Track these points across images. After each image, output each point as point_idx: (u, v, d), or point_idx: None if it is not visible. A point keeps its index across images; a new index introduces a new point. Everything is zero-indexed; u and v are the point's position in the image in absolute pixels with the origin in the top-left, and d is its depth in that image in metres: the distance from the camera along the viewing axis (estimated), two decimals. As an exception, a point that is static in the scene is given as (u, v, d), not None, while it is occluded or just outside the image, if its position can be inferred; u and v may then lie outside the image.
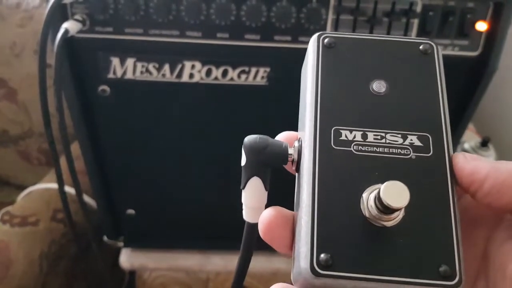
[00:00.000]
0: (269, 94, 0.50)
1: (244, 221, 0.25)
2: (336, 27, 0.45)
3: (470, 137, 0.74)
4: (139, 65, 0.48)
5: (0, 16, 0.85)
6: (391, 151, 0.21)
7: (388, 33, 0.46)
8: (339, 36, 0.24)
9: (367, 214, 0.19)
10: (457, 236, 0.19)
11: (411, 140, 0.21)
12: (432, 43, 0.24)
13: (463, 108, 0.51)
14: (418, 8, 0.45)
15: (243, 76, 0.49)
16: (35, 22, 0.83)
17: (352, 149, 0.21)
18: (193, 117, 0.53)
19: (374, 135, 0.21)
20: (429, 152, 0.21)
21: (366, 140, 0.21)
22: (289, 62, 0.48)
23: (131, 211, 0.62)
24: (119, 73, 0.49)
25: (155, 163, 0.57)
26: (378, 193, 0.18)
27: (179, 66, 0.48)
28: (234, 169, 0.57)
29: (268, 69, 0.49)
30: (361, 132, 0.21)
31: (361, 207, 0.20)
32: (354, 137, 0.21)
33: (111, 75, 0.49)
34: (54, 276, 0.72)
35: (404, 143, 0.21)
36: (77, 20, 0.45)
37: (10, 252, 0.69)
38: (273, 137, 0.24)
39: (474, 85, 0.49)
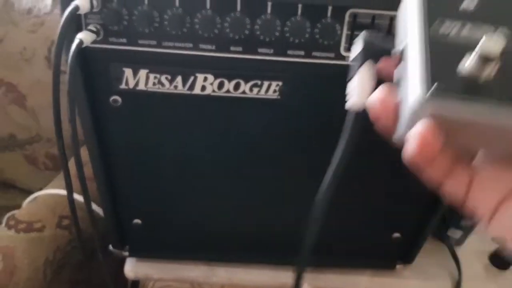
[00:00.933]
0: (281, 108, 0.50)
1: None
2: (350, 43, 0.45)
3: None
4: (151, 76, 0.48)
5: (11, 22, 0.86)
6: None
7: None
8: None
9: (468, 69, 0.21)
10: None
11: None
12: None
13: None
14: (433, 26, 0.45)
15: (255, 89, 0.49)
16: (46, 27, 0.84)
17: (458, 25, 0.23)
18: (204, 129, 0.53)
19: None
20: None
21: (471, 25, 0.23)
22: (302, 76, 0.48)
23: (137, 221, 0.62)
24: (131, 84, 0.49)
25: (163, 174, 0.57)
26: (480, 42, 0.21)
27: (192, 78, 0.48)
28: (243, 181, 0.57)
29: (280, 83, 0.48)
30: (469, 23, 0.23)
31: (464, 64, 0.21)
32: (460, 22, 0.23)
33: (123, 86, 0.49)
34: (58, 284, 0.72)
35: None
36: (91, 30, 0.45)
37: (15, 258, 0.68)
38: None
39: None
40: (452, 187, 0.25)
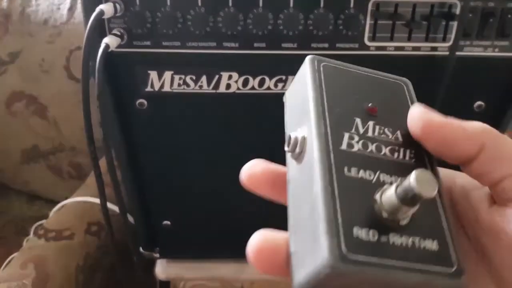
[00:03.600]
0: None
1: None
2: (374, 33, 0.45)
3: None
4: (176, 77, 0.48)
5: (28, 33, 0.87)
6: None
7: (427, 37, 0.45)
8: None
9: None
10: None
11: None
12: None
13: (504, 110, 0.50)
14: (457, 11, 0.44)
15: (280, 85, 0.49)
16: (63, 37, 0.85)
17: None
18: (230, 128, 0.53)
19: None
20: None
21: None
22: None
23: (167, 222, 0.62)
24: (156, 86, 0.49)
25: (192, 175, 0.57)
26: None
27: (216, 77, 0.48)
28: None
29: (304, 77, 0.48)
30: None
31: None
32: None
33: (148, 89, 0.49)
34: (90, 289, 0.73)
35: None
36: (115, 34, 0.45)
37: (47, 266, 0.69)
38: None
39: (515, 86, 0.49)
40: None
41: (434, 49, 0.46)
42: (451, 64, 0.46)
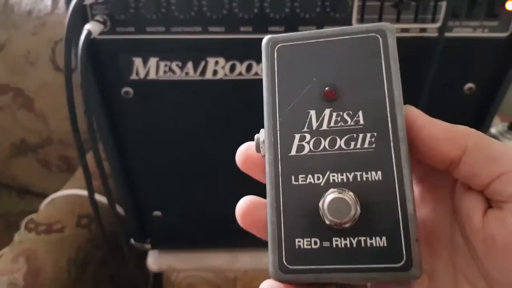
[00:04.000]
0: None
1: None
2: (362, 14, 0.44)
3: (495, 122, 0.72)
4: (162, 64, 0.47)
5: (12, 25, 0.85)
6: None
7: (416, 18, 0.45)
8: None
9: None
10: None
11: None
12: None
13: (493, 90, 0.50)
14: (446, -10, 0.44)
15: (268, 70, 0.48)
16: (47, 29, 0.83)
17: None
18: (218, 115, 0.52)
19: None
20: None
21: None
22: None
23: (157, 213, 0.62)
24: (142, 74, 0.48)
25: (180, 164, 0.57)
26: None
27: (203, 63, 0.47)
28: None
29: (292, 61, 0.48)
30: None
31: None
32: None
33: (134, 76, 0.48)
34: (83, 281, 0.72)
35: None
36: (98, 21, 0.44)
37: (38, 259, 0.68)
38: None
39: (505, 67, 0.48)
40: None
41: (423, 30, 0.46)
42: (440, 45, 0.45)
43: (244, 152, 0.25)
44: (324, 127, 0.22)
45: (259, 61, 0.47)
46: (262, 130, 0.24)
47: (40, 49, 0.84)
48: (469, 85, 0.49)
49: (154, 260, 0.68)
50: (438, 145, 0.21)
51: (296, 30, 0.45)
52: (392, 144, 0.21)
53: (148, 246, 0.66)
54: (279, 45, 0.24)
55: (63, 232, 0.73)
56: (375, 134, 0.22)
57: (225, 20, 0.45)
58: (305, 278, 0.21)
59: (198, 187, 0.59)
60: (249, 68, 0.48)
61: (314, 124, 0.22)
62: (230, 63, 0.47)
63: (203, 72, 0.48)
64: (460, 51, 0.47)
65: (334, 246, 0.21)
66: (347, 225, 0.21)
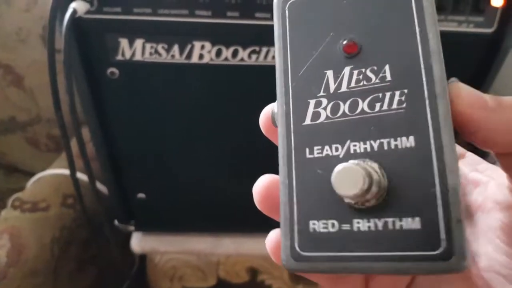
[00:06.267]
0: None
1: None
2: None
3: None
4: (148, 46, 0.47)
5: (4, 1, 0.84)
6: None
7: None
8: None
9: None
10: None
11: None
12: None
13: (478, 87, 0.50)
14: (433, -17, 0.44)
15: (254, 56, 0.48)
16: (40, 6, 0.82)
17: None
18: (204, 99, 0.52)
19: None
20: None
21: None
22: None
23: (141, 195, 0.62)
24: (127, 55, 0.48)
25: (165, 146, 0.57)
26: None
27: (189, 47, 0.47)
28: (245, 151, 0.57)
29: (278, 49, 0.48)
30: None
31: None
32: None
33: (119, 57, 0.48)
34: (65, 261, 0.73)
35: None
36: (84, 0, 0.44)
37: (22, 237, 0.69)
38: None
39: (489, 63, 0.49)
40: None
41: (409, 23, 0.46)
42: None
43: (266, 114, 0.22)
44: (344, 88, 0.19)
45: (245, 47, 0.48)
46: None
47: (31, 27, 0.84)
48: (453, 79, 0.49)
49: (138, 242, 0.68)
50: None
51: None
52: (427, 102, 0.17)
53: (132, 228, 0.66)
54: (290, 2, 0.21)
55: (48, 211, 0.73)
56: (405, 91, 0.18)
57: (212, 4, 0.45)
58: (321, 267, 0.18)
59: (182, 170, 0.60)
60: (235, 54, 0.48)
61: (332, 87, 0.19)
62: (216, 47, 0.48)
63: (189, 56, 0.48)
64: (444, 46, 0.47)
65: (355, 229, 0.17)
66: (371, 203, 0.17)
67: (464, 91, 0.18)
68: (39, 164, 0.88)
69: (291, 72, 0.20)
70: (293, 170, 0.19)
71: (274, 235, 0.21)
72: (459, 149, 0.22)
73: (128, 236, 0.70)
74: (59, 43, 0.45)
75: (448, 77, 0.19)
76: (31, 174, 0.83)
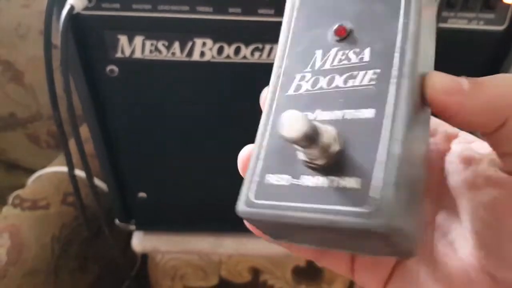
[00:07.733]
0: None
1: None
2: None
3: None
4: (147, 43, 0.46)
5: (3, -3, 0.83)
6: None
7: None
8: None
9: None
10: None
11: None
12: None
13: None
14: (442, -21, 0.42)
15: (257, 54, 0.47)
16: (39, 1, 0.81)
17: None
18: (205, 98, 0.51)
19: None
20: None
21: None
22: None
23: (142, 194, 0.61)
24: (127, 52, 0.47)
25: (166, 145, 0.56)
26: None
27: (190, 44, 0.46)
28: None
29: (282, 46, 0.46)
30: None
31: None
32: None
33: (119, 55, 0.47)
34: (66, 259, 0.72)
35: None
36: (82, -4, 0.43)
37: (22, 235, 0.68)
38: None
39: (500, 61, 0.47)
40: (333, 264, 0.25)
41: (417, 20, 0.44)
42: (434, 36, 0.44)
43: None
44: (327, 66, 0.21)
45: (248, 44, 0.46)
46: None
47: (30, 22, 0.83)
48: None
49: (139, 242, 0.67)
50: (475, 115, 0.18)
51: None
52: (394, 81, 0.19)
53: (132, 227, 0.65)
54: None
55: (48, 209, 0.72)
56: (378, 71, 0.19)
57: (213, 0, 0.43)
58: (265, 214, 0.20)
59: (183, 169, 0.58)
60: (237, 51, 0.47)
61: (318, 64, 0.21)
62: (218, 45, 0.46)
63: (190, 53, 0.47)
64: (454, 43, 0.46)
65: (302, 184, 0.19)
66: (320, 162, 0.19)
67: (438, 78, 0.19)
68: (39, 161, 0.88)
69: (288, 51, 0.23)
70: (267, 132, 0.22)
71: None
72: (452, 129, 0.24)
73: (129, 235, 0.69)
74: (58, 40, 0.44)
75: (459, 75, 0.19)
76: (32, 171, 0.82)
